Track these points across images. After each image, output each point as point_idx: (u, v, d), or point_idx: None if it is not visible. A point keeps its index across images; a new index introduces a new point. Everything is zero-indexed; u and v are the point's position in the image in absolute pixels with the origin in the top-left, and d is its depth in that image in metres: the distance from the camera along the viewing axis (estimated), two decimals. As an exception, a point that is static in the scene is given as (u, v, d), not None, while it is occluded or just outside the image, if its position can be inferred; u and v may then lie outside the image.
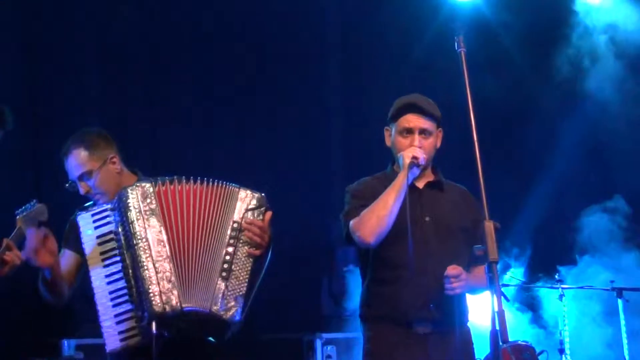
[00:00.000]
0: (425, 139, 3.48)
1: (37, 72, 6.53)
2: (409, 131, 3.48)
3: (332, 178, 6.62)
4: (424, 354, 3.41)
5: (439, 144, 3.59)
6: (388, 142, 3.60)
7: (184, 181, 3.26)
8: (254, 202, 3.31)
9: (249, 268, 3.25)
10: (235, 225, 3.25)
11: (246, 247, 3.24)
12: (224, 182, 3.31)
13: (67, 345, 6.01)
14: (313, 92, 7.28)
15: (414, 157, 3.35)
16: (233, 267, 3.22)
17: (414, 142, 3.45)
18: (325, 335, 6.22)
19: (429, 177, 3.59)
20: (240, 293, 3.20)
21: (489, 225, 2.78)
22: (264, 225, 3.28)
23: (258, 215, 3.29)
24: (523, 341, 6.02)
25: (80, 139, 3.43)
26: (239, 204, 3.28)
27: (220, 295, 3.16)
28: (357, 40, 7.37)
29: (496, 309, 2.72)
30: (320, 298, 6.78)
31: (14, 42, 6.44)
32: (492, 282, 2.77)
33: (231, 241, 3.23)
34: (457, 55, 2.97)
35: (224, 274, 3.19)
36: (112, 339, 3.18)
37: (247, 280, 3.23)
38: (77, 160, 3.36)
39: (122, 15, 6.74)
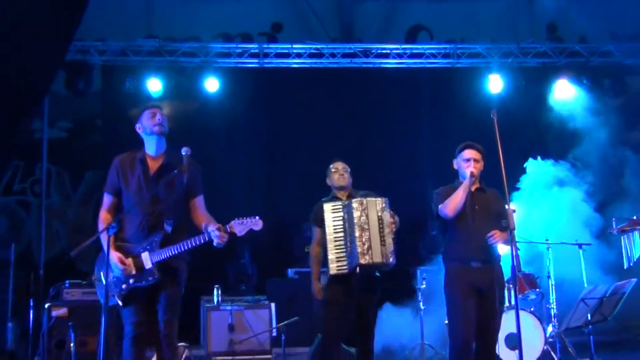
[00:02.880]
0: (477, 163, 5.42)
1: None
2: (469, 160, 5.43)
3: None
4: (477, 279, 5.24)
5: (482, 167, 5.45)
6: (455, 166, 5.52)
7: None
8: (384, 204, 5.52)
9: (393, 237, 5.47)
10: (380, 218, 5.46)
11: (388, 228, 5.46)
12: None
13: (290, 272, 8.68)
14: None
15: (472, 174, 5.35)
16: (387, 239, 5.43)
17: (472, 165, 5.39)
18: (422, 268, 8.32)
19: (477, 185, 5.49)
20: (392, 249, 5.44)
21: (510, 209, 4.90)
22: (391, 216, 5.49)
23: (385, 210, 5.49)
24: (528, 272, 8.12)
25: None
26: (377, 206, 5.49)
27: (386, 251, 5.39)
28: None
29: (514, 253, 4.81)
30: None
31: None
32: (512, 239, 4.86)
33: (382, 225, 5.44)
34: (491, 119, 5.05)
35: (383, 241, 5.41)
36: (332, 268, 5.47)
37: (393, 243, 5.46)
38: None
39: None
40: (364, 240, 5.38)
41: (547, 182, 9.51)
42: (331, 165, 5.99)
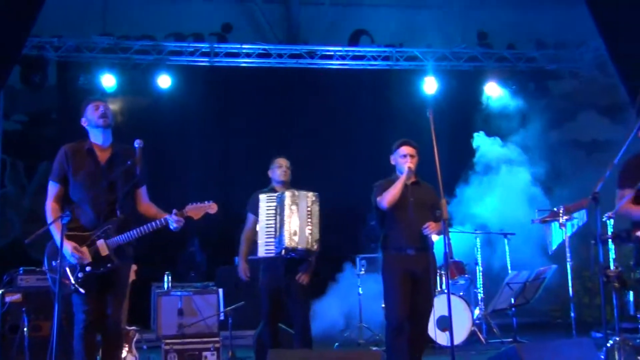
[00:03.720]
0: (412, 158, 5.51)
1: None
2: (405, 156, 5.51)
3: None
4: (412, 265, 5.37)
5: (417, 162, 5.54)
6: (393, 162, 5.61)
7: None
8: (314, 198, 5.63)
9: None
10: (308, 210, 5.56)
11: (315, 219, 5.56)
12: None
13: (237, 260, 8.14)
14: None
15: (410, 168, 5.44)
16: (314, 229, 5.53)
17: (408, 161, 5.48)
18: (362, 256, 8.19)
19: (413, 179, 5.55)
20: (317, 238, 5.54)
21: (444, 202, 4.88)
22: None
23: (315, 204, 5.60)
24: (459, 259, 8.30)
25: None
26: (309, 199, 5.58)
27: (311, 239, 5.48)
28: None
29: (446, 242, 4.89)
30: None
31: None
32: (444, 227, 4.86)
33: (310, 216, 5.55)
34: (427, 118, 5.04)
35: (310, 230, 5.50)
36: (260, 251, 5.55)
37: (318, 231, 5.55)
38: None
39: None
40: (291, 227, 5.52)
41: (497, 160, 9.73)
42: (275, 160, 6.07)
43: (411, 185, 5.52)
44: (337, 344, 8.01)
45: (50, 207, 4.54)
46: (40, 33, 9.81)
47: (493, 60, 11.14)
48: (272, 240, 5.58)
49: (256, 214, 5.81)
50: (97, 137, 4.64)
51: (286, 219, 5.51)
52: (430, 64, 10.92)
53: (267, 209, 5.66)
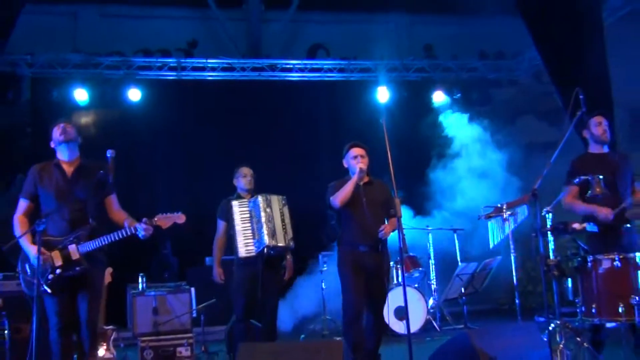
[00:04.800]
0: (363, 159, 5.40)
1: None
2: (356, 157, 5.39)
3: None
4: (364, 261, 5.27)
5: (368, 162, 5.41)
6: (345, 164, 5.50)
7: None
8: (283, 201, 5.66)
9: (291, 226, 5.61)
10: (281, 211, 5.62)
11: (287, 219, 5.61)
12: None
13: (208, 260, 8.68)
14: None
15: (361, 169, 5.30)
16: (287, 227, 5.57)
17: (360, 161, 5.36)
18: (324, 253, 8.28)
19: (366, 179, 5.42)
20: (291, 236, 5.58)
21: (397, 201, 4.83)
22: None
23: (285, 206, 5.64)
24: (413, 254, 8.32)
25: None
26: (279, 202, 5.62)
27: (287, 237, 5.51)
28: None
29: (401, 237, 4.82)
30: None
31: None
32: (399, 225, 4.83)
33: (283, 217, 5.59)
34: (380, 124, 4.98)
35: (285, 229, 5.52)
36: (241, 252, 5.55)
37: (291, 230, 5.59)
38: None
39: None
40: (269, 227, 5.57)
41: (472, 139, 9.95)
42: (239, 170, 6.11)
43: (364, 185, 5.40)
44: (303, 335, 8.00)
45: (19, 220, 4.58)
46: (13, 51, 9.58)
47: (439, 71, 11.27)
48: (252, 241, 5.61)
49: (226, 219, 5.83)
50: (62, 154, 4.64)
51: (263, 221, 5.54)
52: (382, 75, 10.98)
53: (241, 214, 5.70)
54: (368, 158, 5.47)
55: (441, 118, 10.85)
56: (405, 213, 8.97)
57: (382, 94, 10.82)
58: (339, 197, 5.33)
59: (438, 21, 11.65)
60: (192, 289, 7.21)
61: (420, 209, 9.68)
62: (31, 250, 4.34)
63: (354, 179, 5.33)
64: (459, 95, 11.10)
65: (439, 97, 11.11)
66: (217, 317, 7.42)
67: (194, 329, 6.84)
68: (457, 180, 9.87)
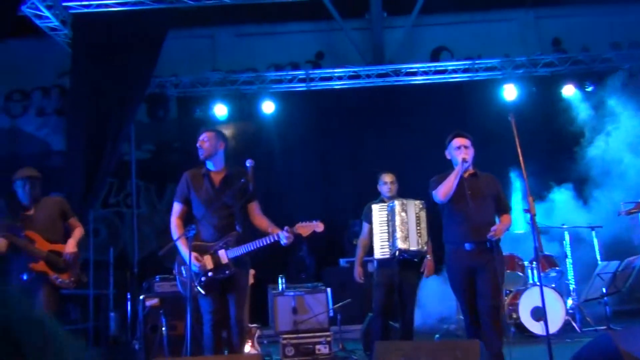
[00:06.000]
0: (467, 149, 4.96)
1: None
2: (459, 147, 4.95)
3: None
4: (472, 261, 4.82)
5: (473, 153, 5.00)
6: (448, 156, 5.07)
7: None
8: (421, 205, 5.59)
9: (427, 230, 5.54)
10: (417, 215, 5.53)
11: (423, 224, 5.51)
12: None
13: (342, 262, 8.92)
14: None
15: (464, 159, 4.89)
16: (422, 232, 5.47)
17: (463, 152, 4.93)
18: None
19: (471, 171, 5.01)
20: (426, 240, 5.51)
21: (531, 199, 4.60)
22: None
23: (422, 210, 5.58)
24: (548, 253, 7.96)
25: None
26: (416, 206, 5.54)
27: (420, 241, 5.45)
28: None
29: (537, 237, 4.60)
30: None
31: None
32: (532, 222, 4.64)
33: (419, 221, 5.52)
34: (508, 122, 4.82)
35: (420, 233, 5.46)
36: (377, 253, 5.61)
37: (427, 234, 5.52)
38: None
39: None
40: (403, 231, 5.52)
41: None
42: (381, 177, 6.14)
43: (469, 178, 4.97)
44: (437, 335, 7.86)
45: (175, 223, 4.75)
46: (160, 73, 10.26)
47: (569, 64, 10.66)
48: (387, 243, 5.63)
49: (370, 222, 5.88)
50: (209, 164, 4.83)
51: (397, 225, 5.51)
52: (508, 72, 10.58)
53: (380, 217, 5.73)
54: (473, 150, 5.04)
55: (574, 112, 10.23)
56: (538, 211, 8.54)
57: (510, 92, 10.41)
58: (442, 191, 4.93)
59: (565, 13, 11.02)
60: (329, 289, 7.33)
61: (555, 205, 9.17)
62: (186, 254, 4.54)
63: (457, 170, 4.91)
64: (591, 87, 10.41)
65: (569, 91, 10.50)
66: (353, 316, 7.49)
67: (332, 327, 6.95)
68: (595, 174, 9.24)
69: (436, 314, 8.59)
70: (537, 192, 8.91)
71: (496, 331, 4.76)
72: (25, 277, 4.95)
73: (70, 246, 5.23)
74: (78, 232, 5.43)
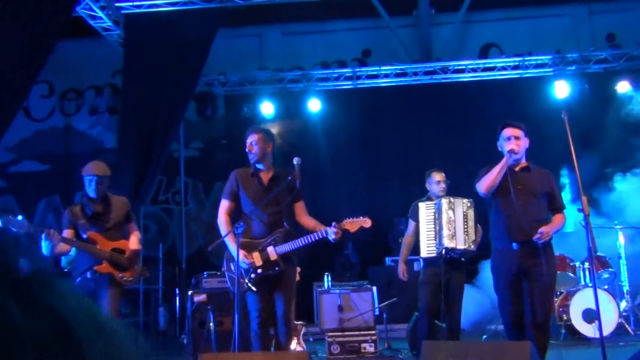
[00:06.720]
0: (517, 140, 4.63)
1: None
2: (509, 138, 4.63)
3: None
4: (518, 261, 4.56)
5: (527, 145, 4.67)
6: (499, 148, 4.74)
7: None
8: (469, 204, 5.45)
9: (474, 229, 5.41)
10: (464, 214, 5.40)
11: (471, 222, 5.38)
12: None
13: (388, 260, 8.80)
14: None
15: (512, 150, 4.58)
16: (470, 230, 5.36)
17: (512, 143, 4.61)
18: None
19: (523, 164, 4.72)
20: (473, 239, 5.39)
21: (585, 198, 4.43)
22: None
23: (470, 209, 5.43)
24: (602, 254, 7.64)
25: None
26: (463, 205, 5.41)
27: (467, 240, 5.34)
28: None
29: (590, 237, 4.40)
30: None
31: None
32: (586, 222, 4.42)
33: (466, 220, 5.38)
34: (561, 119, 4.60)
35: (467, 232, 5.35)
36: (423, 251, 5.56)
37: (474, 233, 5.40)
38: None
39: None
40: (450, 229, 5.41)
41: None
42: (431, 175, 6.01)
43: (519, 171, 4.65)
44: (485, 336, 7.71)
45: (223, 219, 4.74)
46: (208, 72, 10.38)
47: (624, 60, 10.31)
48: (434, 242, 5.56)
49: (416, 220, 5.81)
50: (258, 165, 4.82)
51: (444, 224, 5.42)
52: (559, 69, 10.30)
53: (427, 216, 5.66)
54: (526, 140, 4.68)
55: (629, 109, 9.90)
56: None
57: (561, 89, 10.13)
58: (485, 183, 4.61)
59: (620, 8, 10.66)
60: (374, 288, 7.29)
61: (608, 206, 8.88)
62: (235, 250, 4.54)
63: (502, 162, 4.57)
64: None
65: (624, 88, 10.15)
66: (398, 315, 7.41)
67: (377, 326, 6.90)
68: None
69: (483, 314, 8.42)
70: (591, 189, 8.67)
71: (539, 345, 4.40)
72: (89, 276, 5.01)
73: (134, 243, 5.24)
74: (136, 236, 5.41)
